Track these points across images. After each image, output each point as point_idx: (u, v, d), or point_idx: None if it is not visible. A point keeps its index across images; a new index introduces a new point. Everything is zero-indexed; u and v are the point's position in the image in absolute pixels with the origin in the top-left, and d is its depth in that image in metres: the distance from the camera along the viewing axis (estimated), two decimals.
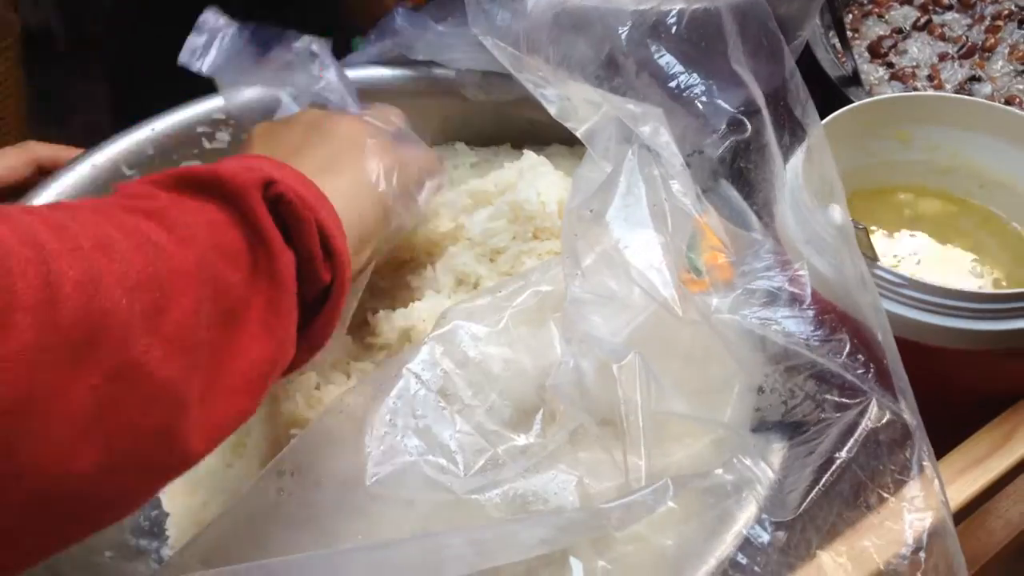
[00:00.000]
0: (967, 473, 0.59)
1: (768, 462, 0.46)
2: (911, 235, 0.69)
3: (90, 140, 0.76)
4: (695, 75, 0.61)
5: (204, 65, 0.63)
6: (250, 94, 0.77)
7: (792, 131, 0.58)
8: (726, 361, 0.51)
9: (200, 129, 0.76)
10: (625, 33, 0.61)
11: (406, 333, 0.63)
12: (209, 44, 0.64)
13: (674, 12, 0.62)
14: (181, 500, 0.65)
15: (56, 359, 0.35)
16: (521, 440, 0.52)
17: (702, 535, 0.46)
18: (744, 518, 0.46)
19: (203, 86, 0.79)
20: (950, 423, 0.59)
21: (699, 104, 0.66)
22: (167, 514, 0.66)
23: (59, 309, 0.35)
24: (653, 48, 0.61)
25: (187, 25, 0.68)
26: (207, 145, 0.77)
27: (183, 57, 0.63)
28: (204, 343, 0.41)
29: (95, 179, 0.72)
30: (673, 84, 0.61)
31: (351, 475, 0.50)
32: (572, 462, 0.51)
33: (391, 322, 0.65)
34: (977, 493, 0.58)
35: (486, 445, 0.51)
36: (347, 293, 0.51)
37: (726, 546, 0.45)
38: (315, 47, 0.69)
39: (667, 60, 0.61)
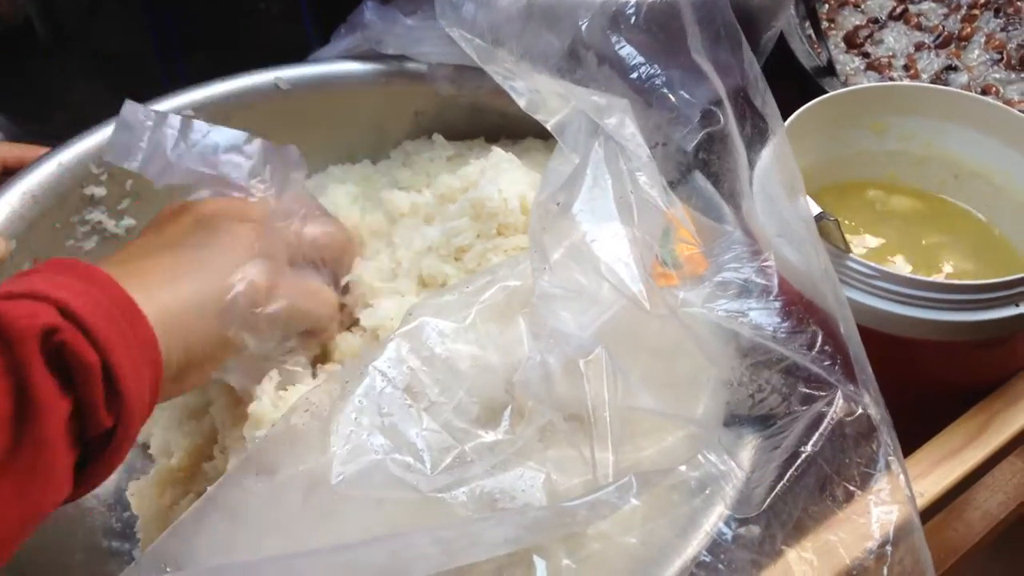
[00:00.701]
0: (943, 464, 0.58)
1: (736, 458, 0.46)
2: (882, 231, 0.69)
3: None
4: (656, 66, 0.61)
5: (136, 164, 0.59)
6: (219, 89, 0.77)
7: (754, 122, 0.57)
8: (696, 355, 0.51)
9: None
10: (585, 25, 0.61)
11: (373, 332, 0.63)
12: (137, 141, 0.60)
13: (632, 3, 0.61)
14: (149, 503, 0.64)
15: None
16: (489, 437, 0.51)
17: (668, 533, 0.45)
18: (711, 516, 0.45)
19: (191, 78, 0.78)
20: (925, 415, 0.59)
21: (670, 96, 0.65)
22: (137, 516, 0.65)
23: None
24: (613, 39, 0.61)
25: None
26: None
27: (109, 156, 0.60)
28: None
29: (62, 177, 0.71)
30: (634, 76, 0.61)
31: (317, 475, 0.49)
32: (540, 459, 0.50)
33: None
34: (954, 484, 0.58)
35: (453, 443, 0.51)
36: (134, 437, 0.48)
37: (693, 545, 0.45)
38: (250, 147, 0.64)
39: (627, 51, 0.61)
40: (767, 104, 0.56)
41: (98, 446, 0.46)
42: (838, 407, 0.46)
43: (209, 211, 0.58)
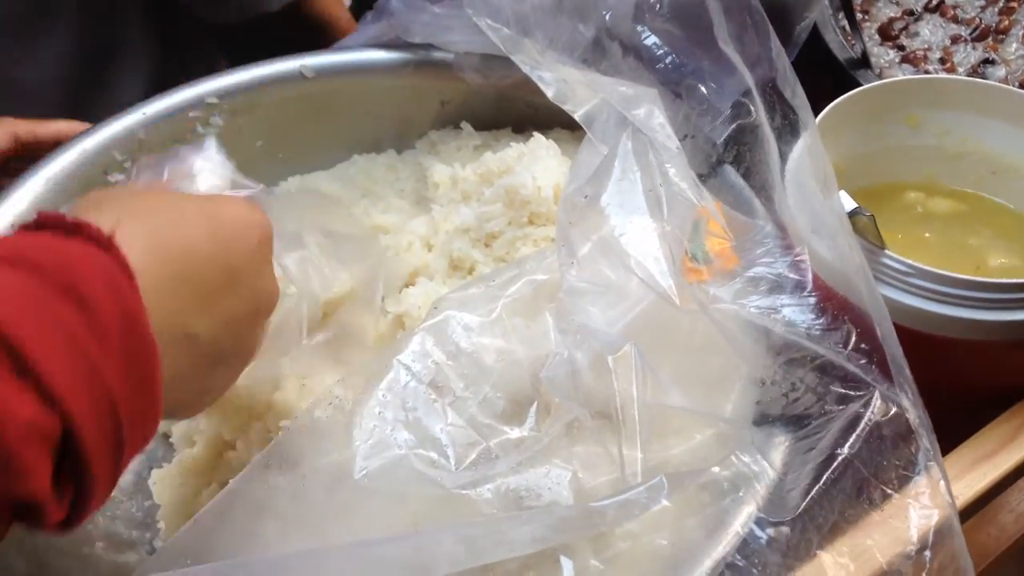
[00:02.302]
0: (977, 467, 0.57)
1: (769, 459, 0.45)
2: (924, 234, 0.67)
3: None
4: (682, 57, 0.59)
5: None
6: (243, 77, 0.76)
7: (784, 114, 0.56)
8: (727, 352, 0.50)
9: (192, 114, 0.75)
10: (610, 15, 0.59)
11: (399, 320, 0.62)
12: None
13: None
14: (171, 492, 0.64)
15: None
16: (515, 433, 0.51)
17: (698, 534, 0.45)
18: (741, 517, 0.44)
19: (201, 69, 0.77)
20: (959, 416, 0.58)
21: (700, 87, 0.64)
22: (159, 505, 0.64)
23: None
24: (639, 29, 0.59)
25: None
26: (200, 130, 0.75)
27: None
28: None
29: (85, 164, 0.71)
30: (660, 66, 0.59)
31: (340, 469, 0.49)
32: (567, 456, 0.50)
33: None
34: (987, 488, 0.56)
35: (478, 438, 0.50)
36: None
37: (723, 546, 0.44)
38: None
39: (653, 41, 0.59)
40: (797, 96, 0.55)
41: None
42: (875, 408, 0.44)
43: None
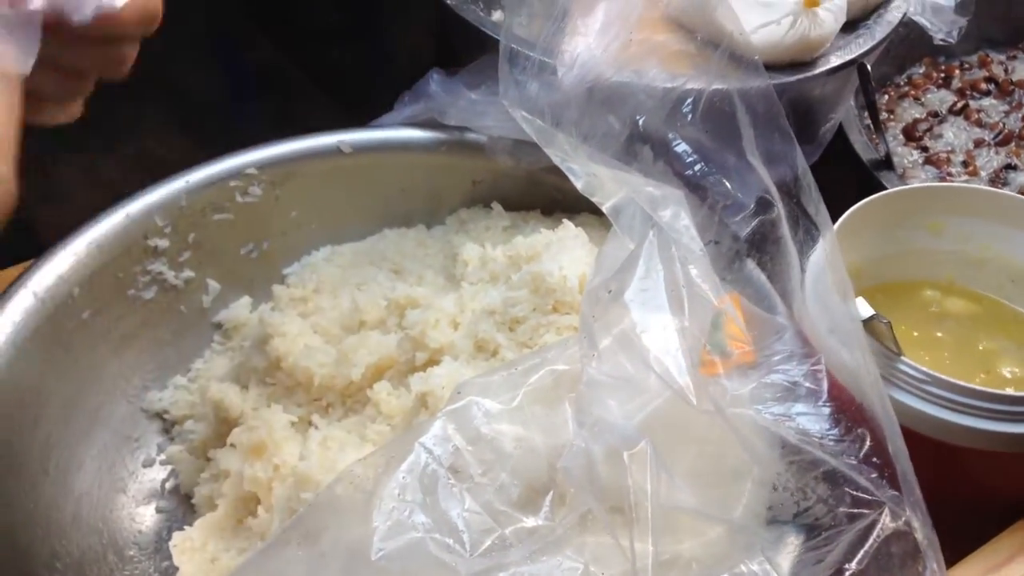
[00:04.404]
0: None
1: (777, 568, 0.45)
2: (937, 333, 0.68)
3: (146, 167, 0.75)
4: (711, 165, 0.61)
5: None
6: (283, 149, 0.79)
7: (806, 229, 0.58)
8: (741, 452, 0.51)
9: (233, 183, 0.77)
10: (643, 120, 0.62)
11: (423, 398, 0.64)
12: None
13: (690, 100, 0.62)
14: (191, 556, 0.65)
15: None
16: (530, 522, 0.52)
17: None
18: None
19: (264, 121, 0.78)
20: (968, 525, 0.58)
21: (726, 182, 0.66)
22: (177, 568, 0.66)
23: None
24: (670, 136, 0.62)
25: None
26: (239, 199, 0.78)
27: None
28: None
29: (128, 228, 0.73)
30: (689, 173, 0.62)
31: (357, 548, 0.50)
32: (579, 546, 0.50)
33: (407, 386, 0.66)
34: None
35: (494, 525, 0.51)
36: None
37: None
38: None
39: (683, 149, 0.62)
40: (819, 213, 0.57)
41: None
42: (885, 524, 0.45)
43: None
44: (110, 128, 0.98)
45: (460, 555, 0.49)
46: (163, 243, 0.75)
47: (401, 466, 0.52)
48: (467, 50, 0.80)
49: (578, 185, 0.64)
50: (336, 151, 0.80)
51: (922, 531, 0.45)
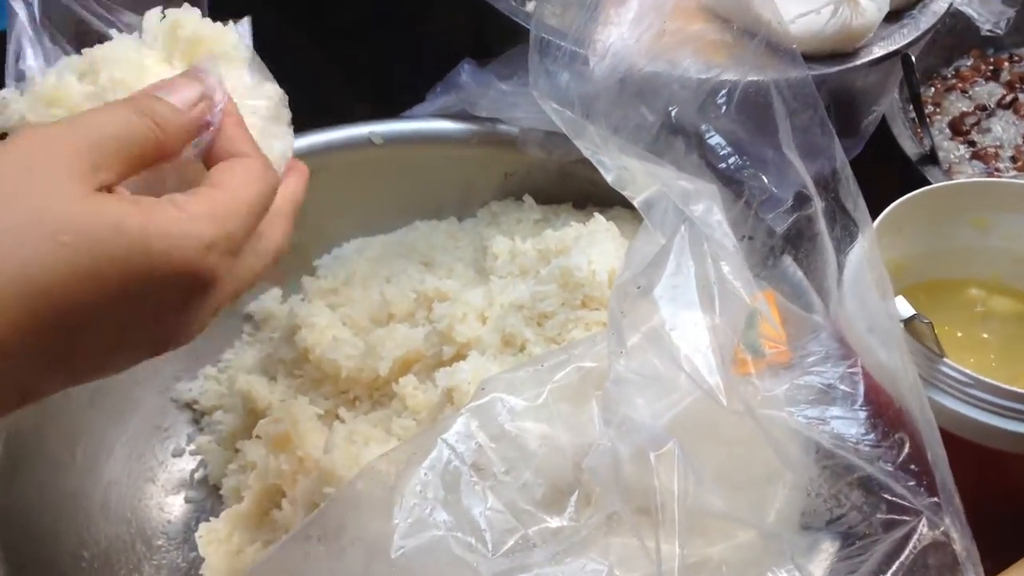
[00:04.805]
0: None
1: (808, 575, 0.44)
2: (982, 334, 0.66)
3: None
4: (745, 157, 0.59)
5: None
6: (314, 140, 0.79)
7: (844, 226, 0.56)
8: (772, 456, 0.49)
9: None
10: (675, 111, 0.60)
11: (448, 394, 0.63)
12: None
13: (724, 92, 0.60)
14: (216, 547, 0.65)
15: None
16: (554, 522, 0.50)
17: None
18: None
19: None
20: (1012, 534, 0.56)
21: (763, 176, 0.64)
22: (201, 559, 0.66)
23: None
24: (703, 128, 0.60)
25: None
26: None
27: None
28: None
29: None
30: (723, 166, 0.60)
31: (377, 545, 0.49)
32: (603, 548, 0.49)
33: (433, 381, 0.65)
34: None
35: (517, 525, 0.50)
36: None
37: None
38: None
39: (717, 141, 0.60)
40: (858, 208, 0.55)
41: None
42: (922, 534, 0.43)
43: None
44: None
45: (482, 555, 0.48)
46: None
47: (423, 463, 0.51)
48: (500, 41, 0.79)
49: (608, 178, 0.63)
50: (367, 142, 0.79)
51: (961, 541, 0.44)
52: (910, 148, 0.79)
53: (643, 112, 0.64)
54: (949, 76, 0.91)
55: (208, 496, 0.72)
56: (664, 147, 0.61)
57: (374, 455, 0.57)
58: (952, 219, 0.68)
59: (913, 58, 0.75)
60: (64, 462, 0.65)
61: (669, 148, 0.61)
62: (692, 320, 0.53)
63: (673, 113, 0.60)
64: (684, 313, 0.53)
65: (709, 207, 0.55)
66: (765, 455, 0.51)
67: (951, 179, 0.79)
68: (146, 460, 0.71)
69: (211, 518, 0.68)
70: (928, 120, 0.82)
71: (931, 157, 0.79)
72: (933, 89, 0.89)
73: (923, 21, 0.76)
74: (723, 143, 0.60)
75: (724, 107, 0.60)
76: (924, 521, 0.44)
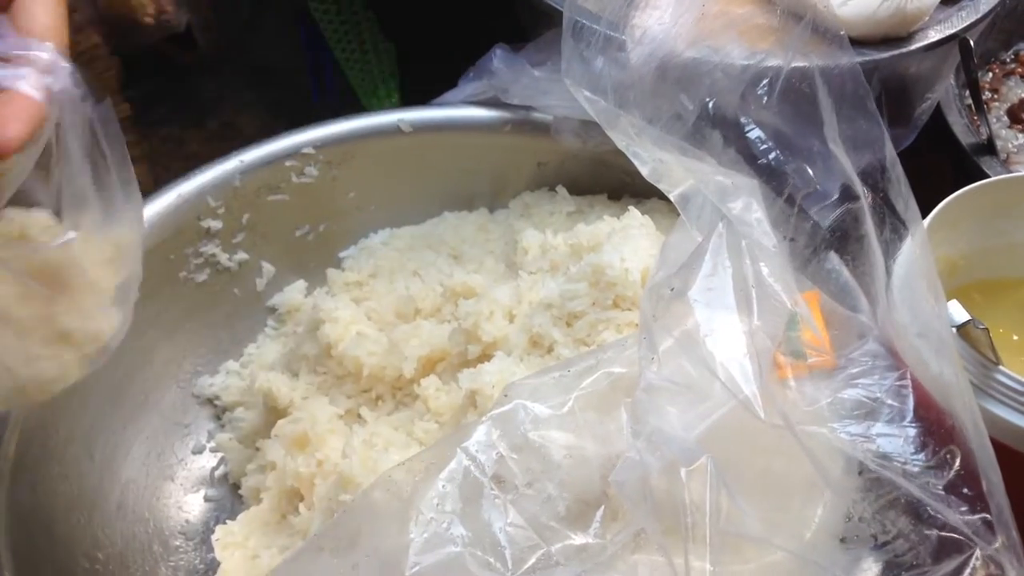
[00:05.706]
0: None
1: None
2: None
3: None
4: (787, 154, 0.56)
5: None
6: (341, 128, 0.76)
7: (893, 227, 0.52)
8: (812, 473, 0.46)
9: (288, 163, 0.75)
10: (713, 103, 0.56)
11: (471, 396, 0.60)
12: None
13: (765, 81, 0.56)
14: (232, 551, 0.63)
15: None
16: (578, 539, 0.48)
17: None
18: None
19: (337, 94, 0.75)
20: None
21: (808, 168, 0.60)
22: (219, 562, 0.64)
23: None
24: (742, 120, 0.56)
25: None
26: (295, 179, 0.75)
27: None
28: None
29: (180, 209, 0.71)
30: (762, 162, 0.56)
31: (391, 560, 0.47)
32: (631, 568, 0.47)
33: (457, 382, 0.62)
34: None
35: (539, 541, 0.47)
36: None
37: None
38: None
39: (756, 135, 0.56)
40: (909, 209, 0.51)
41: None
42: (974, 568, 0.40)
43: None
44: (197, 104, 0.98)
45: (501, 573, 0.46)
46: (216, 224, 0.73)
47: (441, 473, 0.48)
48: (533, 25, 0.76)
49: (644, 171, 0.60)
50: (396, 130, 0.77)
51: None
52: (966, 137, 0.75)
53: (681, 101, 0.60)
54: (1008, 60, 0.86)
55: (228, 495, 0.71)
56: (700, 140, 0.57)
57: (393, 461, 0.55)
58: (1010, 214, 0.65)
59: (972, 42, 0.71)
60: (80, 461, 0.63)
61: (706, 141, 0.57)
62: (728, 324, 0.49)
63: (710, 104, 0.56)
64: (720, 317, 0.50)
65: (748, 204, 0.51)
66: (804, 470, 0.47)
67: (1009, 170, 0.75)
68: (165, 457, 0.70)
69: (229, 520, 0.66)
70: (985, 107, 0.77)
71: (988, 146, 0.74)
72: (991, 74, 0.84)
73: (982, 3, 0.72)
74: (763, 136, 0.56)
75: (766, 97, 0.56)
76: (978, 555, 0.41)
